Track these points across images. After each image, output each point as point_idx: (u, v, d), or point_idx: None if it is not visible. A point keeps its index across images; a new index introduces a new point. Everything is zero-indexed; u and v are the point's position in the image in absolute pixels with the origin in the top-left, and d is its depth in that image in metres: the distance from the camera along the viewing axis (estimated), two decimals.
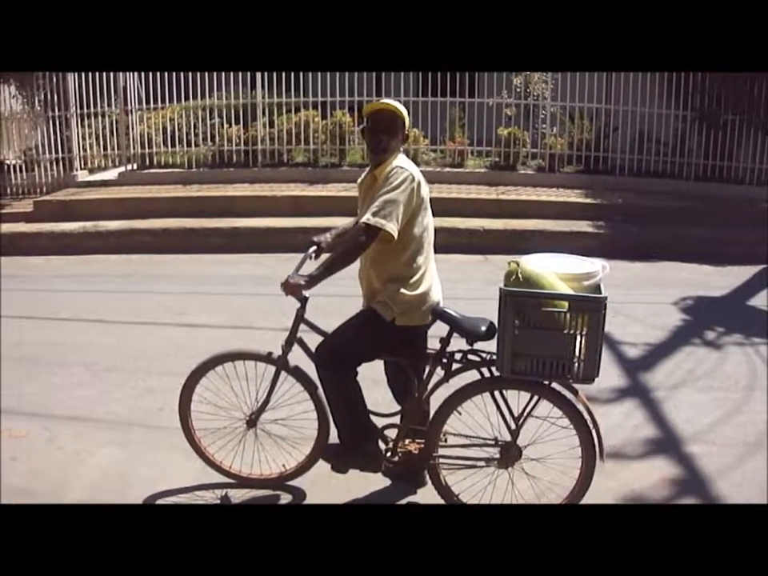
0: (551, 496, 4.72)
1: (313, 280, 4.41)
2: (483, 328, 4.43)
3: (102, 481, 5.28)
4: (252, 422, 5.01)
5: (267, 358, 4.91)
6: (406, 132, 4.66)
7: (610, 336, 7.56)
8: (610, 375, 6.73)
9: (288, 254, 5.05)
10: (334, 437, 4.83)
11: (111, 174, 14.31)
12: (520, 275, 4.18)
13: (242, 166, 14.12)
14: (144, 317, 8.68)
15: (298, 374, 4.87)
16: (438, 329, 4.62)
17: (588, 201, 12.72)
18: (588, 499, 4.57)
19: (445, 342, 4.53)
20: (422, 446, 4.69)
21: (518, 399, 4.51)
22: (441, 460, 4.68)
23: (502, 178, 13.61)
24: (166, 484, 5.18)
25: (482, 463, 4.66)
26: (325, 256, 4.80)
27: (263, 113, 14.13)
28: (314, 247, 5.01)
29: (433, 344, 4.70)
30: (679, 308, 8.92)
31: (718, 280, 10.16)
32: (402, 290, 4.51)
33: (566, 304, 4.13)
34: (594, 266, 4.43)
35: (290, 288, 4.49)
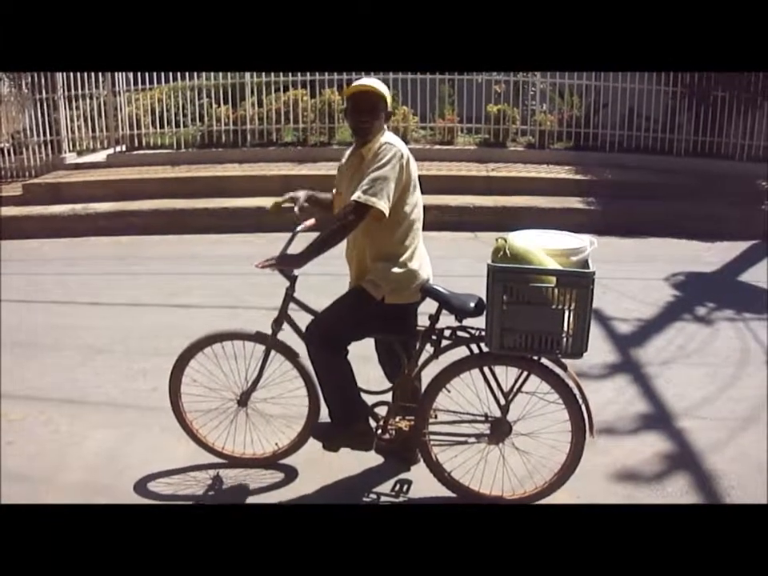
0: (543, 471, 4.74)
1: (303, 258, 4.38)
2: (472, 304, 4.45)
3: (97, 463, 5.28)
4: (243, 401, 5.01)
5: (257, 338, 4.91)
6: (389, 110, 4.63)
7: (600, 312, 7.58)
8: (601, 351, 6.76)
9: (278, 233, 5.05)
10: (324, 415, 4.84)
11: (100, 156, 14.25)
12: (508, 251, 4.17)
13: (231, 146, 14.08)
14: (135, 298, 8.68)
15: (288, 352, 4.87)
16: (428, 306, 4.62)
17: (578, 177, 12.70)
18: (580, 475, 4.60)
19: (434, 318, 4.54)
20: (413, 423, 4.71)
21: (506, 375, 4.52)
22: (431, 437, 4.70)
23: (492, 155, 13.55)
24: (160, 465, 5.20)
25: (473, 439, 4.68)
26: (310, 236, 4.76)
27: (252, 92, 14.08)
28: (301, 225, 4.96)
29: (422, 321, 4.70)
30: (670, 284, 8.94)
31: (708, 256, 10.19)
32: (392, 269, 4.50)
33: (553, 279, 4.13)
34: (582, 241, 4.43)
35: (285, 271, 4.50)
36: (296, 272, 4.65)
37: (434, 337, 4.56)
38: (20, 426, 5.80)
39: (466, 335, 4.55)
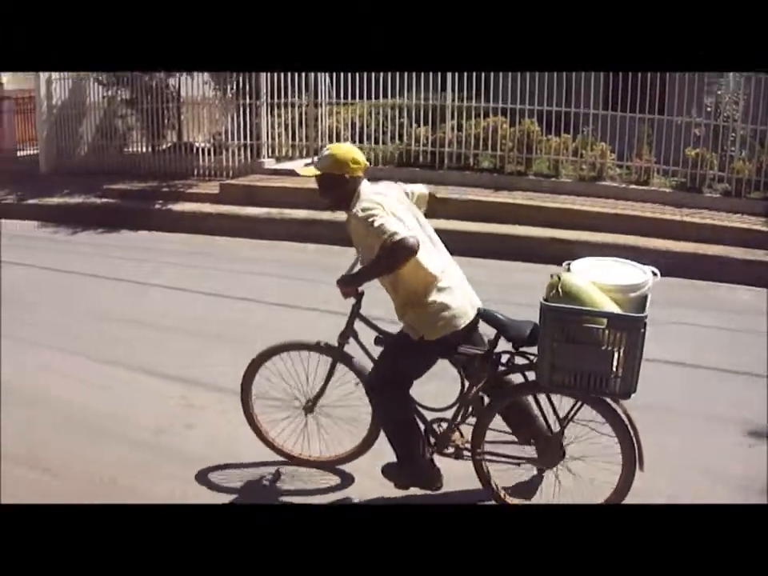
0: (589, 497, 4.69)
1: (355, 281, 4.81)
2: (527, 332, 4.51)
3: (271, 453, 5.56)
4: (309, 408, 5.29)
5: (324, 350, 5.17)
6: (348, 174, 4.73)
7: None
8: None
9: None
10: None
11: (297, 164, 14.42)
12: (560, 289, 4.22)
13: (428, 167, 14.19)
14: (321, 304, 8.71)
15: (353, 365, 5.10)
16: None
17: None
18: None
19: (492, 343, 4.64)
20: (468, 442, 4.82)
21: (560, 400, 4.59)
22: (486, 456, 4.78)
23: (687, 200, 13.10)
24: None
25: (525, 462, 4.79)
26: None
27: (452, 116, 14.18)
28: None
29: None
30: None
31: None
32: (417, 311, 4.64)
33: (604, 320, 4.14)
34: (643, 274, 4.44)
35: (344, 291, 4.85)
36: (360, 288, 4.92)
37: (491, 361, 4.64)
38: (200, 413, 6.31)
39: (523, 361, 4.64)
